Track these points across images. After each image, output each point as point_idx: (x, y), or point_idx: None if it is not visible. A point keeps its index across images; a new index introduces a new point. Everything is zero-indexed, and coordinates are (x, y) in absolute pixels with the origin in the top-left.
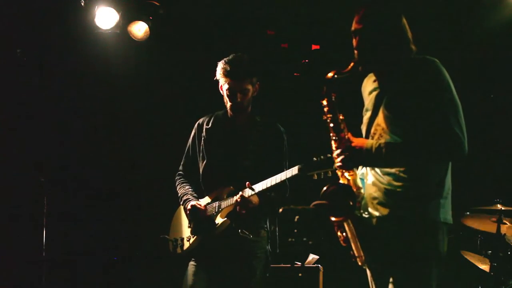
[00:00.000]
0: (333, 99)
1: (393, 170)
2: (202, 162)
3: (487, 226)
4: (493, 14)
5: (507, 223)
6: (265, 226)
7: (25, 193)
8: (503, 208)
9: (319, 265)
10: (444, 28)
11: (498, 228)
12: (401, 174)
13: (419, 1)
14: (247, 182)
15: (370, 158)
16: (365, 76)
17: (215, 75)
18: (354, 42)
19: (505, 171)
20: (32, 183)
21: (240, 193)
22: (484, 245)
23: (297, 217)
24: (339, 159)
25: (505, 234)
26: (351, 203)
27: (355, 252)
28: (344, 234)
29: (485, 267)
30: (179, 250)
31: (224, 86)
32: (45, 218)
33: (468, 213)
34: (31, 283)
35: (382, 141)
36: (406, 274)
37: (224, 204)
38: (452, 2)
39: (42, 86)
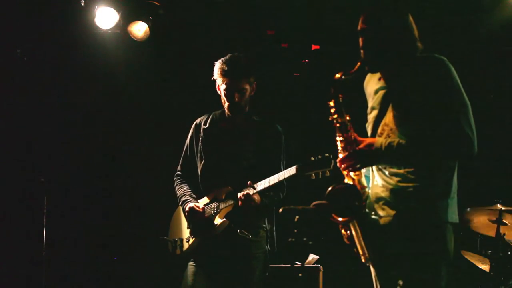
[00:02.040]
0: (340, 100)
1: (400, 171)
2: (200, 163)
3: (487, 226)
4: (493, 14)
5: (507, 223)
6: (264, 226)
7: (25, 193)
8: (503, 208)
9: (319, 265)
10: (444, 28)
11: (498, 228)
12: (409, 175)
13: (420, 2)
14: (249, 181)
15: (380, 156)
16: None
17: (212, 75)
18: (360, 42)
19: (505, 171)
20: (32, 183)
21: (245, 190)
22: (484, 245)
23: (297, 217)
24: (345, 165)
25: (504, 234)
26: (357, 204)
27: (360, 250)
28: (348, 232)
29: (485, 267)
30: (178, 251)
31: (221, 86)
32: (45, 218)
33: (468, 209)
34: (31, 283)
35: (393, 139)
36: (415, 274)
37: (222, 204)
38: (452, 2)
39: (42, 86)
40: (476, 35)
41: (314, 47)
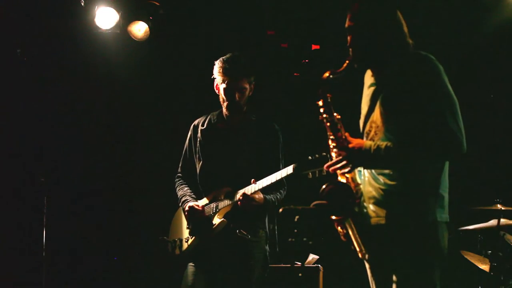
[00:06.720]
0: (329, 100)
1: (387, 170)
2: (199, 164)
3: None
4: (493, 14)
5: (508, 223)
6: (264, 226)
7: (25, 193)
8: (503, 208)
9: (319, 265)
10: (444, 28)
11: (498, 228)
12: (395, 174)
13: (420, 2)
14: (252, 180)
15: (368, 159)
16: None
17: (212, 75)
18: (348, 39)
19: (505, 171)
20: (32, 183)
21: (242, 190)
22: (484, 245)
23: (297, 217)
24: (338, 165)
25: (504, 234)
26: (350, 202)
27: (356, 247)
28: (344, 230)
29: (485, 267)
30: (177, 251)
31: (221, 85)
32: (45, 218)
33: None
34: (31, 282)
35: (381, 142)
36: (408, 273)
37: (221, 204)
38: (452, 2)
39: (42, 86)
40: (476, 35)
41: (314, 47)
